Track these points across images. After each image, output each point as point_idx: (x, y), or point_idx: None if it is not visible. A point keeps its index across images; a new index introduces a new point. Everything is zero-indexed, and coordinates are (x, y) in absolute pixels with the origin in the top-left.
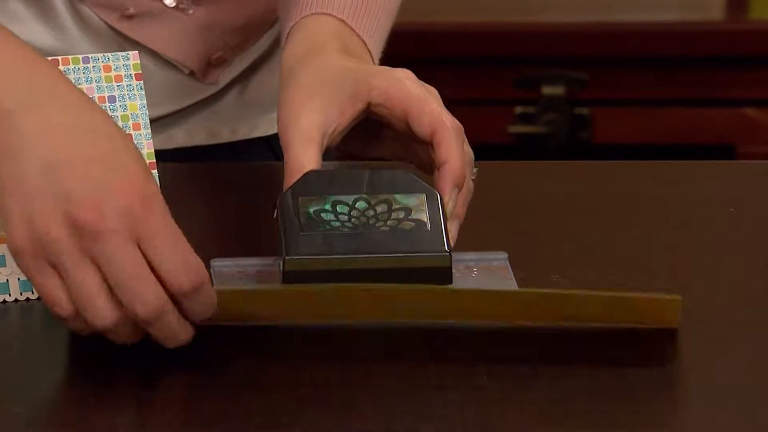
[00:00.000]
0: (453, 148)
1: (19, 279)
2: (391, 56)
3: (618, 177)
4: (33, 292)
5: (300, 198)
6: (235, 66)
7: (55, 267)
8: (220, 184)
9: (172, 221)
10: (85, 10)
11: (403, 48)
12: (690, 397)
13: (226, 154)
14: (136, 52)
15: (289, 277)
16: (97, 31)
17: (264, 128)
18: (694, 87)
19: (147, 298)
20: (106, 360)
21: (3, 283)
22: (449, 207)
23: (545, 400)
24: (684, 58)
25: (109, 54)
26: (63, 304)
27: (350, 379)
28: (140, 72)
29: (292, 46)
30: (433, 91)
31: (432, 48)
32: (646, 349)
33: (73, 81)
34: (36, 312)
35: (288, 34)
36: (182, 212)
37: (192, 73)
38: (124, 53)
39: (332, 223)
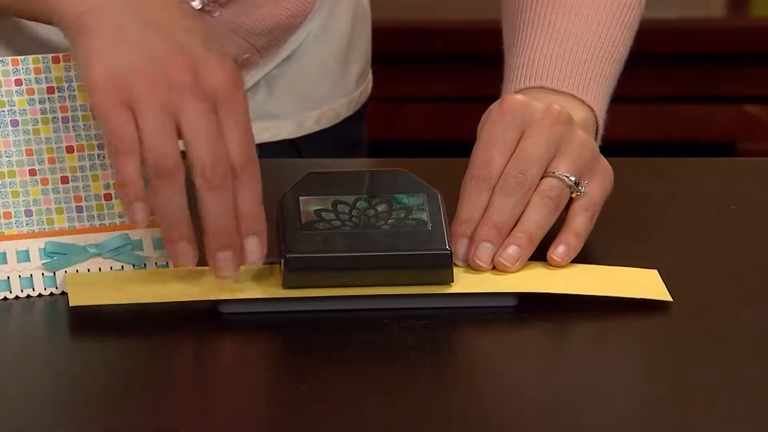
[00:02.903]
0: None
1: (20, 276)
2: (393, 54)
3: (618, 174)
4: (33, 289)
5: (301, 197)
6: (261, 68)
7: (130, 108)
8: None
9: (248, 112)
10: None
11: (405, 45)
12: (690, 396)
13: None
14: None
15: (289, 275)
16: None
17: (290, 130)
18: (694, 84)
19: (217, 157)
20: (107, 358)
21: (4, 280)
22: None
23: (545, 397)
24: (685, 56)
25: None
26: (127, 139)
27: (349, 374)
28: None
29: None
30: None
31: (433, 45)
32: (645, 346)
33: (75, 78)
34: (36, 309)
35: None
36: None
37: None
38: None
39: (333, 222)
